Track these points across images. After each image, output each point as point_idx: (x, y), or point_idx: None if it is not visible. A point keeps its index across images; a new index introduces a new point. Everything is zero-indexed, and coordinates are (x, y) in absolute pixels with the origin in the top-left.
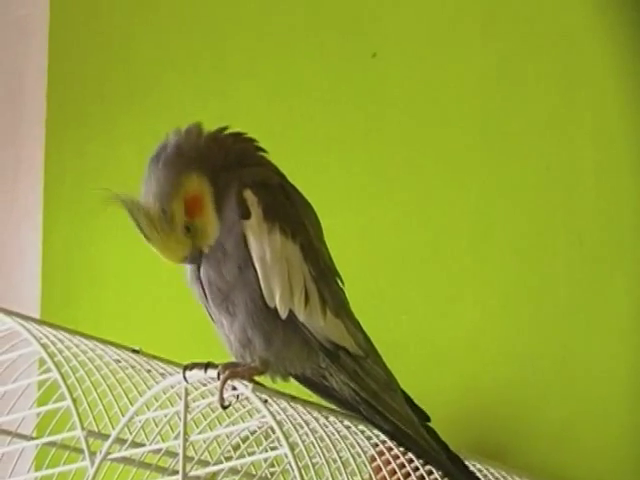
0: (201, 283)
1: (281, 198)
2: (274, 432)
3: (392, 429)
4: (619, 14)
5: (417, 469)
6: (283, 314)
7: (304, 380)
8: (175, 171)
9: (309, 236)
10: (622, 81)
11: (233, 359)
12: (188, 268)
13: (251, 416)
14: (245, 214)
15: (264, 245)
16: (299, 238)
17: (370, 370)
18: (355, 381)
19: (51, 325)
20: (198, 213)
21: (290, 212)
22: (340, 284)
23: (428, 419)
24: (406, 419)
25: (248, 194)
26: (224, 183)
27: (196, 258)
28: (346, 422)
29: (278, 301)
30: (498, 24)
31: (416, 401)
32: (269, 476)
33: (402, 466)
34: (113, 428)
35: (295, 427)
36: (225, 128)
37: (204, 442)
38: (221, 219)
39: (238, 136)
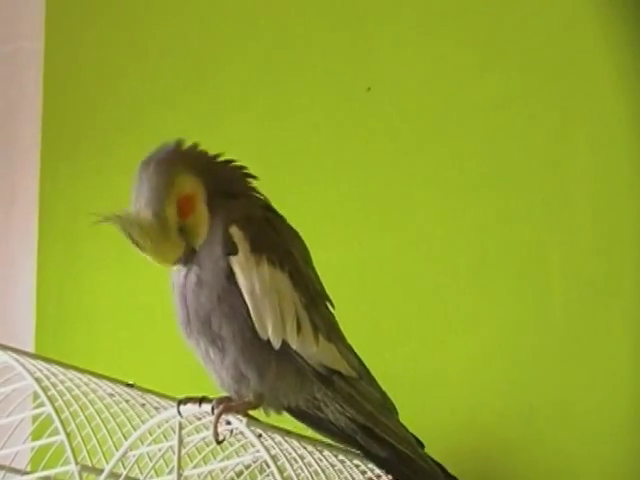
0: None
1: (267, 229)
2: (269, 466)
3: (390, 455)
4: (619, 51)
5: None
6: (277, 345)
7: (298, 414)
8: (168, 172)
9: (297, 263)
10: (620, 116)
11: (225, 393)
12: (174, 289)
13: (246, 450)
14: (232, 250)
15: (253, 279)
16: (287, 266)
17: (365, 392)
18: (350, 404)
19: (45, 359)
20: (190, 212)
21: (276, 241)
22: (330, 308)
23: (422, 447)
24: (404, 439)
25: (234, 230)
26: (213, 203)
27: (189, 256)
28: (341, 456)
29: (271, 333)
30: (494, 60)
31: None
32: None
33: None
34: (107, 462)
35: (290, 461)
36: (218, 155)
37: (198, 477)
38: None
39: (228, 163)
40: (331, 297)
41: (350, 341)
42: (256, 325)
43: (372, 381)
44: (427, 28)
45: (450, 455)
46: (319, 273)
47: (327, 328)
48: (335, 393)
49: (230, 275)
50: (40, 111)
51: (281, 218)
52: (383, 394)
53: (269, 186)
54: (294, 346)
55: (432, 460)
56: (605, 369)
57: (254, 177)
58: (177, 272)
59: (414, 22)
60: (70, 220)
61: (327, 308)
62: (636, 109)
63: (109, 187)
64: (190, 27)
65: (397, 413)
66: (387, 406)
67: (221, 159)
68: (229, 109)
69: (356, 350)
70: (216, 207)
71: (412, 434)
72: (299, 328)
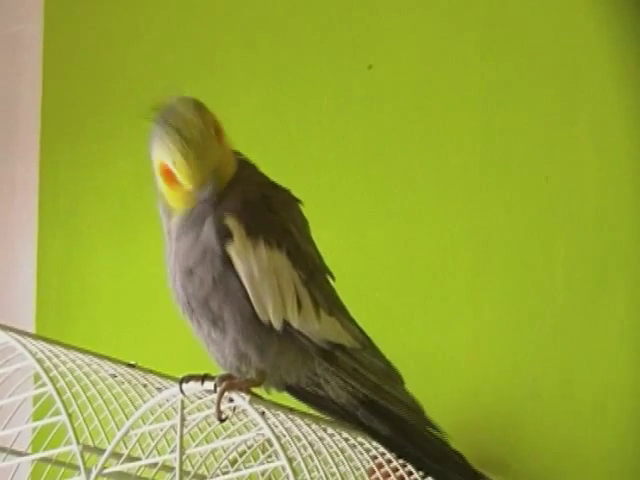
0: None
1: (262, 210)
2: (272, 445)
3: (391, 432)
4: (620, 34)
5: None
6: (278, 326)
7: (299, 392)
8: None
9: (295, 240)
10: (622, 94)
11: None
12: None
13: (248, 429)
14: (227, 236)
15: (250, 262)
16: (285, 245)
17: (368, 364)
18: (354, 378)
19: (47, 340)
20: (221, 139)
21: (273, 221)
22: (330, 281)
23: None
24: (411, 407)
25: (228, 216)
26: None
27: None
28: (344, 434)
29: (271, 315)
30: (497, 36)
31: None
32: None
33: (401, 478)
34: (109, 443)
35: (293, 440)
36: None
37: (201, 455)
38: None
39: None
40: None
41: None
42: (256, 308)
43: (376, 351)
44: (428, 6)
45: (454, 432)
46: (322, 254)
47: (328, 302)
48: (338, 368)
49: (226, 260)
50: (40, 95)
51: (279, 192)
52: (387, 363)
53: (271, 168)
54: (295, 325)
55: (439, 433)
56: (607, 345)
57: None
58: (170, 255)
59: (415, 0)
60: (71, 202)
61: (327, 282)
62: (637, 100)
63: (110, 172)
64: (192, 10)
65: (403, 382)
66: (392, 375)
67: None
68: (230, 92)
69: None
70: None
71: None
72: (299, 306)
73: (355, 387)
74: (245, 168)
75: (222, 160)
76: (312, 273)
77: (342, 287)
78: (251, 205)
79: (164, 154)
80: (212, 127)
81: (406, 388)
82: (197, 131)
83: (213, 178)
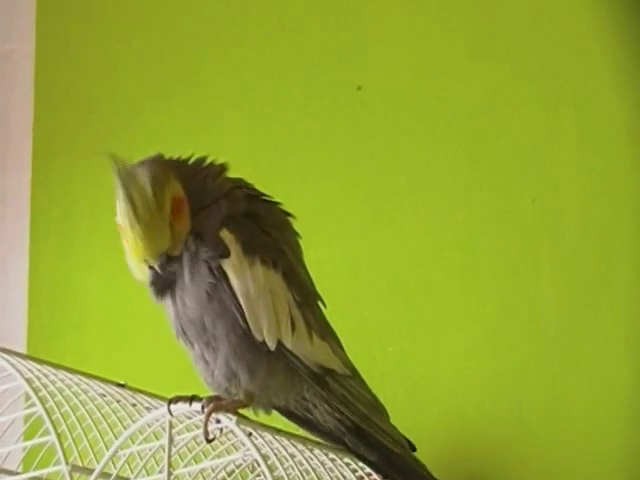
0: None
1: (256, 229)
2: (259, 465)
3: (378, 459)
4: (611, 42)
5: None
6: (272, 346)
7: (287, 413)
8: (163, 170)
9: (289, 261)
10: (611, 110)
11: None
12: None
13: (237, 449)
14: (224, 253)
15: (247, 280)
16: (280, 265)
17: (357, 393)
18: (344, 405)
19: (36, 359)
20: (180, 217)
21: (268, 240)
22: (321, 306)
23: (414, 449)
24: (397, 442)
25: (225, 233)
26: (193, 207)
27: (163, 265)
28: (331, 455)
29: (266, 334)
30: (483, 58)
31: None
32: None
33: None
34: (98, 463)
35: (280, 460)
36: (190, 157)
37: (189, 475)
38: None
39: (201, 162)
40: (321, 295)
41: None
42: (251, 326)
43: (362, 383)
44: (417, 27)
45: (439, 456)
46: (309, 271)
47: (320, 327)
48: (329, 394)
49: (221, 277)
50: (32, 112)
51: (267, 209)
52: (374, 396)
53: (260, 185)
54: (289, 345)
55: (422, 465)
56: (595, 367)
57: (227, 169)
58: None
59: (404, 21)
60: (62, 220)
61: (319, 307)
62: (628, 103)
63: (101, 188)
64: (182, 27)
65: (388, 417)
66: (378, 408)
67: (194, 160)
68: (221, 109)
69: (346, 349)
70: (196, 211)
71: (404, 437)
72: (293, 327)
73: (344, 414)
74: (229, 185)
75: (177, 235)
76: (305, 296)
77: (329, 306)
78: (245, 224)
79: (120, 216)
80: (167, 207)
81: (391, 422)
82: (149, 212)
83: (164, 254)
